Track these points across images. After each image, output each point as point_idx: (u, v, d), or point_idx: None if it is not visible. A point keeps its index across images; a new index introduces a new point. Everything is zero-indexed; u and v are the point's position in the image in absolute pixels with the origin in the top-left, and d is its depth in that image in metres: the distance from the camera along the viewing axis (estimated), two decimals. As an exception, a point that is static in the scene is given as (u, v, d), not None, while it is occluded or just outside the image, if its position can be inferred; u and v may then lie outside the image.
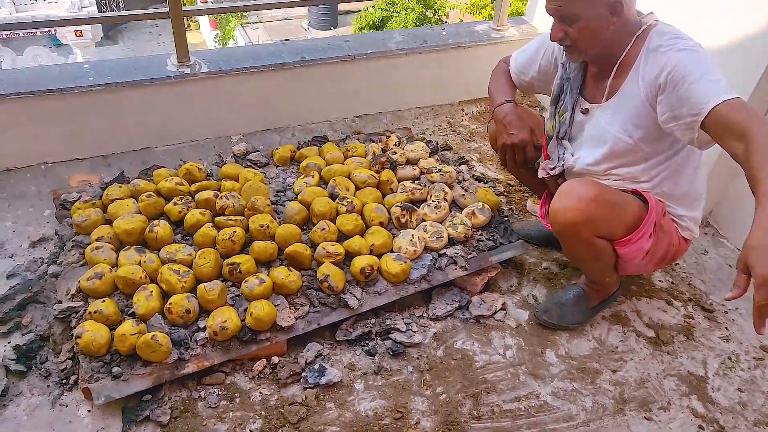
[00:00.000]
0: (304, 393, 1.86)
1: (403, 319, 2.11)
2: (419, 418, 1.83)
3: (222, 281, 1.97)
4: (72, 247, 2.10)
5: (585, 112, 1.89)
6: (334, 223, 2.17)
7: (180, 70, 2.55)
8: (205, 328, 1.85)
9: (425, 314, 2.16)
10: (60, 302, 1.95)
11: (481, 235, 2.28)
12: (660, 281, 2.42)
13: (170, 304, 1.82)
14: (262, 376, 1.90)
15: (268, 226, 2.06)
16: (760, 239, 1.28)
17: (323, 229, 2.09)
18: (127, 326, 1.75)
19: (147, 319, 1.83)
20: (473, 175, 2.70)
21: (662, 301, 2.34)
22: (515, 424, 1.84)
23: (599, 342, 2.15)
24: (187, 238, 2.14)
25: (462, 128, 3.16)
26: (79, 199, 2.26)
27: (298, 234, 2.09)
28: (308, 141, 2.76)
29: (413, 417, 1.83)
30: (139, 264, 1.96)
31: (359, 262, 2.01)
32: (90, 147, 2.53)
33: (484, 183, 2.66)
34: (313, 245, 2.12)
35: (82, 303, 1.90)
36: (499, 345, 2.09)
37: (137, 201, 2.18)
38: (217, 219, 2.11)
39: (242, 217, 2.13)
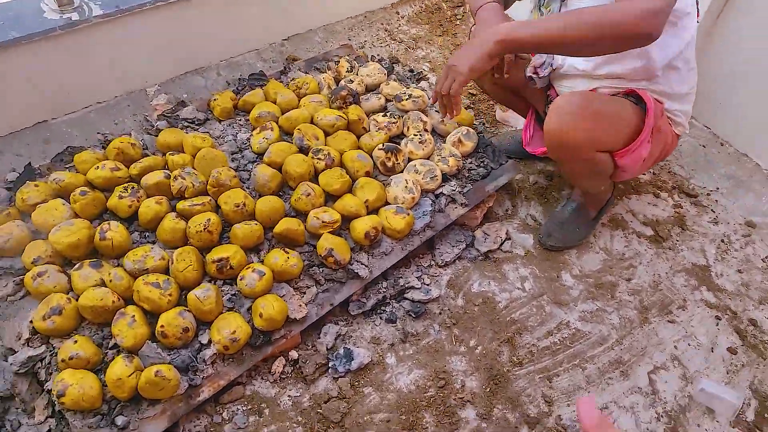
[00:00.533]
0: (336, 384, 1.67)
1: (413, 273, 1.92)
2: (463, 380, 1.71)
3: (210, 281, 1.66)
4: (1, 275, 1.66)
5: None
6: (317, 183, 1.87)
7: (65, 17, 1.98)
8: (209, 343, 1.57)
9: (433, 262, 1.99)
10: (12, 351, 1.56)
11: (471, 163, 2.08)
12: (642, 175, 2.38)
13: (162, 326, 1.50)
14: (284, 376, 1.68)
15: (244, 204, 1.73)
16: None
17: (308, 194, 1.78)
18: (120, 367, 1.43)
19: (137, 351, 1.51)
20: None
21: (650, 194, 2.31)
22: (556, 361, 1.79)
23: (606, 252, 2.10)
24: (147, 235, 1.76)
25: (402, 35, 2.83)
26: (-16, 210, 1.77)
27: (281, 206, 1.78)
28: (240, 80, 2.33)
29: (456, 380, 1.71)
30: (103, 284, 1.59)
31: (361, 226, 1.76)
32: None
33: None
34: (299, 215, 1.83)
35: (43, 348, 1.53)
36: (515, 278, 1.98)
37: (68, 201, 1.74)
38: (179, 206, 1.74)
39: (208, 198, 1.77)
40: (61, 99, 2.10)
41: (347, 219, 1.81)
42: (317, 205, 1.80)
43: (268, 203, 1.74)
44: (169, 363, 1.50)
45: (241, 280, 1.61)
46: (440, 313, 1.86)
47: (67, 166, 1.90)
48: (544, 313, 1.90)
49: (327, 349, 1.72)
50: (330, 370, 1.69)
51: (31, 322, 1.56)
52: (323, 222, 1.73)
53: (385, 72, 2.33)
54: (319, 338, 1.74)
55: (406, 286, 1.86)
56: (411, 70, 2.51)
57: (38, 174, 1.87)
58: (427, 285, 1.90)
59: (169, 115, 2.08)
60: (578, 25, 1.37)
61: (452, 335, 1.82)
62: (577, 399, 0.69)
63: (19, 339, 1.56)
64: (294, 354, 1.70)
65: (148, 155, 1.93)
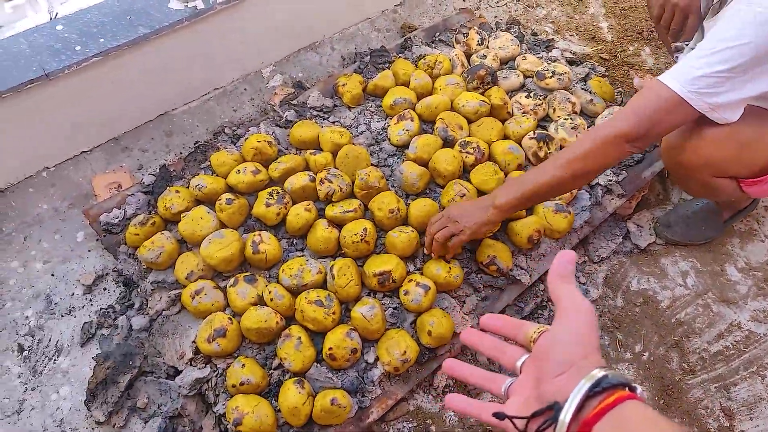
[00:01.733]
0: (502, 398, 1.58)
1: (568, 272, 1.79)
2: (633, 390, 1.60)
3: (369, 295, 1.57)
4: (154, 290, 1.61)
5: None
6: (467, 180, 1.73)
7: (189, 5, 1.83)
8: (375, 362, 1.50)
9: (587, 258, 1.85)
10: (174, 369, 1.53)
11: (624, 147, 1.89)
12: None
13: (331, 349, 1.43)
14: (447, 390, 1.61)
15: (398, 209, 1.61)
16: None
17: (462, 194, 1.65)
18: (293, 395, 1.38)
19: (304, 373, 1.46)
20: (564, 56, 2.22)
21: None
22: (731, 368, 1.66)
23: (773, 241, 1.92)
24: (296, 243, 1.67)
25: (520, -10, 2.58)
26: (125, 218, 1.71)
27: (436, 211, 1.65)
28: (357, 54, 2.16)
29: (626, 391, 1.60)
30: (260, 301, 1.52)
31: (524, 230, 1.63)
32: (95, 133, 1.89)
33: (577, 65, 2.20)
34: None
35: (208, 369, 1.49)
36: (675, 273, 1.84)
37: (211, 208, 1.66)
38: (329, 213, 1.63)
39: (358, 202, 1.66)
40: (181, 89, 1.99)
41: (506, 220, 1.68)
42: (472, 206, 1.67)
43: (423, 208, 1.62)
44: (340, 387, 1.44)
45: (405, 294, 1.52)
46: (601, 316, 1.75)
47: (201, 166, 1.80)
48: (711, 313, 1.76)
49: (488, 359, 1.64)
50: None
51: (194, 342, 1.52)
52: (484, 227, 1.60)
53: (518, 43, 2.12)
54: (479, 347, 1.65)
55: (564, 287, 1.74)
56: (534, 34, 2.29)
57: (174, 176, 1.79)
58: (584, 284, 1.78)
59: (295, 104, 1.95)
60: (557, 171, 1.37)
61: (616, 340, 1.70)
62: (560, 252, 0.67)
63: (182, 358, 1.53)
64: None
65: (283, 152, 1.82)
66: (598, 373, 0.52)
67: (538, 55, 2.12)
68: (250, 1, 1.92)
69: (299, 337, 1.45)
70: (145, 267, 1.65)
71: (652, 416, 0.49)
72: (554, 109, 1.91)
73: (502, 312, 1.68)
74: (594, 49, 2.34)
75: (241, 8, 1.92)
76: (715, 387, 1.63)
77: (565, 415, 0.51)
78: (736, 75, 1.22)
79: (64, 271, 1.74)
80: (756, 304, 1.78)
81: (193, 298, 1.51)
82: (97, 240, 1.77)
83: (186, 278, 1.56)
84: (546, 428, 0.53)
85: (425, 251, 1.60)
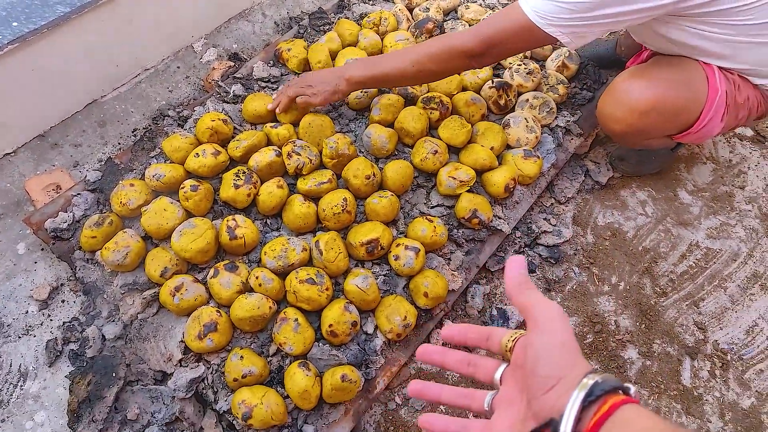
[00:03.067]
0: (499, 347, 1.61)
1: (540, 216, 1.83)
2: (616, 320, 1.68)
3: (357, 265, 1.53)
4: (124, 294, 1.49)
5: None
6: (435, 137, 1.70)
7: (109, -23, 1.65)
8: (375, 332, 1.47)
9: (553, 200, 1.89)
10: (163, 373, 1.43)
11: (575, 87, 1.93)
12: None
13: (331, 326, 1.39)
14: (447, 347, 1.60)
15: (374, 174, 1.56)
16: None
17: (435, 151, 1.62)
18: (301, 378, 1.33)
19: (305, 355, 1.41)
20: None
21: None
22: (697, 285, 1.77)
23: (714, 161, 2.05)
24: (270, 223, 1.59)
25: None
26: (75, 221, 1.56)
27: (411, 171, 1.62)
28: (292, 20, 2.05)
29: (610, 321, 1.68)
30: (246, 289, 1.44)
31: (499, 179, 1.63)
32: (19, 131, 1.69)
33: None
34: (427, 175, 1.68)
35: (202, 367, 1.40)
36: (634, 204, 1.92)
37: (174, 198, 1.54)
38: (302, 186, 1.56)
39: (330, 172, 1.59)
40: (107, 72, 1.81)
41: (478, 172, 1.67)
42: (444, 162, 1.65)
43: (400, 170, 1.58)
44: (346, 363, 1.40)
45: (396, 260, 1.49)
46: (575, 254, 1.80)
47: (151, 155, 1.66)
48: (672, 237, 1.86)
49: (478, 312, 1.65)
50: None
51: (182, 341, 1.42)
52: (460, 181, 1.59)
53: (456, -9, 2.09)
54: (467, 302, 1.66)
55: (540, 230, 1.78)
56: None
57: (122, 168, 1.64)
58: (555, 225, 1.82)
59: (240, 77, 1.83)
60: (406, 64, 1.47)
61: (593, 275, 1.76)
62: (508, 259, 0.68)
63: (170, 360, 1.42)
64: (449, 323, 1.61)
65: (239, 129, 1.71)
66: (590, 381, 0.51)
67: (478, 3, 2.10)
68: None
69: (296, 319, 1.39)
70: (109, 271, 1.51)
71: (649, 419, 0.49)
72: (505, 57, 1.90)
73: (484, 265, 1.69)
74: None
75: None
76: (686, 305, 1.73)
77: (564, 431, 0.50)
78: (581, 12, 1.26)
79: (10, 288, 1.56)
80: (708, 222, 1.89)
81: (174, 295, 1.40)
82: (44, 249, 1.60)
83: (161, 276, 1.45)
84: None
85: (271, 107, 1.68)
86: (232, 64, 1.92)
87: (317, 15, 2.00)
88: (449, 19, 2.04)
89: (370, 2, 2.11)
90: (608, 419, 0.49)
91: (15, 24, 1.52)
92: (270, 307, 1.40)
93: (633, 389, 0.53)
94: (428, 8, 2.00)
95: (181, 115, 1.74)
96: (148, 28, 1.83)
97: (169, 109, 1.74)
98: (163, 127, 1.71)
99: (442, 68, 1.47)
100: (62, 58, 1.65)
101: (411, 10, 2.06)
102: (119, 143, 1.78)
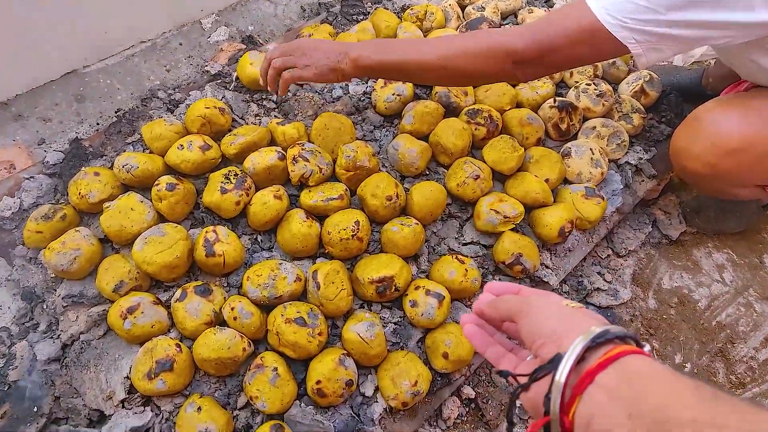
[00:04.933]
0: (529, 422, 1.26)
1: (593, 270, 1.49)
2: (679, 412, 1.32)
3: (362, 307, 1.21)
4: (67, 306, 1.18)
5: None
6: (479, 158, 1.38)
7: None
8: (375, 395, 1.14)
9: (611, 252, 1.55)
10: (99, 413, 1.12)
11: (652, 119, 1.60)
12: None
13: (320, 383, 1.06)
14: (459, 421, 1.27)
15: (397, 196, 1.24)
16: None
17: (476, 176, 1.30)
18: (271, 449, 1.00)
19: (282, 415, 1.08)
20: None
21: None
22: (784, 379, 1.41)
23: (812, 226, 1.69)
24: (260, 240, 1.27)
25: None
26: (22, 210, 1.26)
27: (444, 197, 1.30)
28: (322, 5, 1.77)
29: (672, 413, 1.32)
30: (221, 320, 1.12)
31: (554, 220, 1.30)
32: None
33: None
34: (462, 204, 1.36)
35: (149, 413, 1.08)
36: (710, 267, 1.57)
37: (146, 197, 1.24)
38: (305, 200, 1.24)
39: (343, 186, 1.28)
40: (95, 39, 1.52)
41: (528, 208, 1.34)
42: (487, 191, 1.33)
43: (430, 194, 1.26)
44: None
45: (413, 306, 1.16)
46: (632, 320, 1.46)
47: (128, 141, 1.36)
48: (755, 314, 1.50)
49: (507, 381, 1.31)
50: (517, 410, 1.29)
51: (127, 377, 1.10)
52: (505, 217, 1.26)
53: (521, -6, 1.78)
54: (494, 367, 1.31)
55: (591, 287, 1.44)
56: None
57: (90, 152, 1.34)
58: (610, 282, 1.48)
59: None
60: (432, 56, 1.13)
61: (652, 350, 1.41)
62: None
63: (110, 399, 1.11)
64: (470, 392, 1.28)
65: (239, 123, 1.41)
66: (598, 329, 0.49)
67: (544, 9, 1.79)
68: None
69: (275, 368, 1.06)
70: (53, 276, 1.21)
71: (663, 370, 0.45)
72: (571, 73, 1.59)
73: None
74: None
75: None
76: (769, 402, 1.37)
77: (565, 363, 0.47)
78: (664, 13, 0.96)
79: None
80: (802, 302, 1.54)
81: (125, 318, 1.09)
82: (-16, 239, 1.30)
83: (113, 291, 1.14)
84: (543, 376, 0.50)
85: (261, 81, 1.30)
86: (243, 47, 1.62)
87: (351, 2, 1.70)
88: (508, 23, 1.73)
89: (414, -6, 1.81)
90: (614, 362, 0.46)
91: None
92: (244, 349, 1.08)
93: (648, 347, 0.50)
94: (483, 7, 1.69)
95: (172, 98, 1.44)
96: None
97: (160, 90, 1.44)
98: (149, 111, 1.41)
99: (475, 69, 1.12)
100: (39, 12, 1.36)
101: (463, 8, 1.76)
102: (98, 124, 1.48)
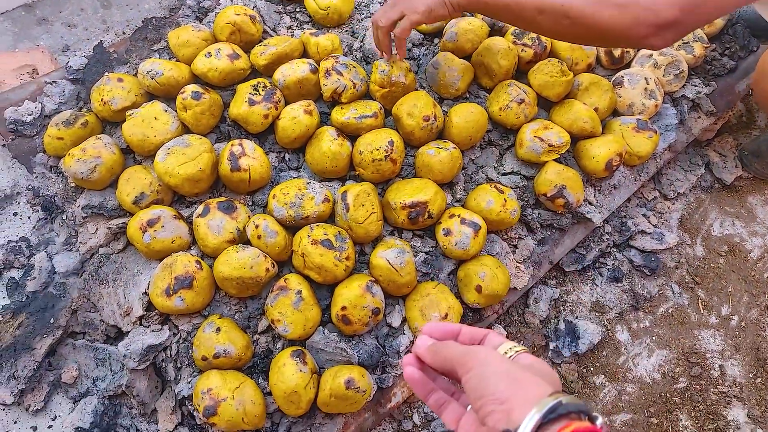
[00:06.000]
0: (560, 373, 1.21)
1: (638, 211, 1.39)
2: (721, 365, 1.26)
3: (393, 233, 1.14)
4: (86, 218, 1.14)
5: None
6: (524, 82, 1.28)
7: None
8: (402, 326, 1.09)
9: (658, 192, 1.45)
10: (117, 329, 1.08)
11: (714, 50, 1.47)
12: None
13: (345, 309, 1.01)
14: (488, 360, 1.21)
15: (435, 117, 1.15)
16: None
17: (522, 100, 1.20)
18: (292, 373, 0.96)
19: (304, 340, 1.03)
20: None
21: None
22: (837, 336, 1.32)
23: None
24: (288, 158, 1.20)
25: None
26: (43, 115, 1.21)
27: (485, 121, 1.21)
28: None
29: (713, 365, 1.26)
30: (245, 238, 1.07)
31: (599, 151, 1.21)
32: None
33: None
34: (504, 130, 1.26)
35: (166, 332, 1.04)
36: (765, 216, 1.46)
37: (171, 106, 1.17)
38: (337, 117, 1.16)
39: (377, 104, 1.19)
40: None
41: (574, 138, 1.25)
42: (531, 117, 1.23)
43: (470, 116, 1.17)
44: (356, 362, 1.03)
45: (446, 235, 1.09)
46: (676, 267, 1.37)
47: (154, 48, 1.29)
48: (810, 267, 1.41)
49: (540, 322, 1.25)
50: (551, 353, 1.23)
51: (145, 293, 1.06)
52: (549, 145, 1.17)
53: None
54: (528, 306, 1.25)
55: (636, 229, 1.35)
56: None
57: (114, 59, 1.27)
58: (655, 226, 1.39)
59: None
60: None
61: (697, 299, 1.34)
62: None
63: (128, 315, 1.07)
64: (501, 331, 1.22)
65: (270, 34, 1.32)
66: (551, 400, 0.45)
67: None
68: None
69: (299, 291, 1.01)
70: (73, 185, 1.16)
71: None
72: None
73: (558, 263, 1.28)
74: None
75: None
76: (820, 360, 1.29)
77: None
78: None
79: (-48, 188, 1.23)
80: None
81: (145, 231, 1.04)
82: (3, 145, 1.25)
83: (134, 203, 1.09)
84: None
85: (378, 48, 1.13)
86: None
87: None
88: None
89: None
90: None
91: None
92: (267, 269, 1.02)
93: (601, 420, 0.46)
94: None
95: (201, 5, 1.35)
96: None
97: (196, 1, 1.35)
98: (177, 18, 1.33)
99: (595, 31, 0.91)
100: None
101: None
102: (123, 32, 1.41)
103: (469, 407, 0.56)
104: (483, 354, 0.52)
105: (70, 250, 1.15)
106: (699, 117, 1.39)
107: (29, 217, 1.21)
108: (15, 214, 1.21)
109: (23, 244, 1.17)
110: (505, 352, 0.55)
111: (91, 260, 1.12)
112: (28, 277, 1.12)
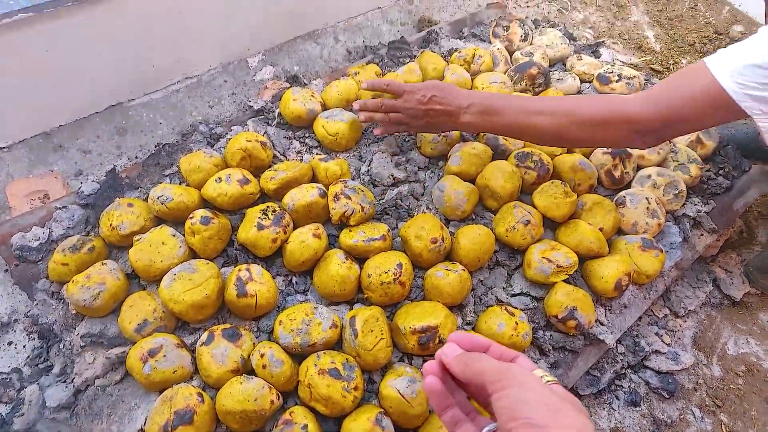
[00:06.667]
0: None
1: (650, 330, 1.37)
2: (752, 496, 1.17)
3: (403, 360, 1.11)
4: (85, 347, 1.10)
5: None
6: (529, 203, 1.30)
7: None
8: (414, 461, 1.02)
9: (668, 311, 1.43)
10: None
11: (708, 170, 1.51)
12: None
13: (355, 447, 0.95)
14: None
15: (442, 239, 1.16)
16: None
17: (527, 221, 1.22)
18: None
19: (313, 482, 0.97)
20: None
21: None
22: None
23: None
24: (295, 282, 1.19)
25: (552, -8, 2.22)
26: (50, 241, 1.20)
27: (492, 243, 1.21)
28: (368, 48, 1.74)
29: (745, 497, 1.17)
30: (249, 368, 1.03)
31: (608, 272, 1.20)
32: (18, 123, 1.38)
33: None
34: (511, 251, 1.27)
35: (165, 471, 0.97)
36: (778, 333, 1.43)
37: (179, 231, 1.17)
38: (345, 240, 1.17)
39: (385, 227, 1.20)
40: (142, 73, 1.50)
41: (581, 258, 1.25)
42: (537, 238, 1.24)
43: (477, 238, 1.18)
44: (368, 503, 0.95)
45: (458, 362, 1.05)
46: (695, 389, 1.32)
47: (165, 173, 1.31)
48: (832, 388, 1.36)
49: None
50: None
51: (142, 429, 1.00)
52: (558, 266, 1.16)
53: (567, 42, 1.73)
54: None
55: (650, 350, 1.31)
56: (573, 38, 1.92)
57: (126, 184, 1.29)
58: (669, 345, 1.35)
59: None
60: (548, 119, 1.09)
61: (720, 425, 1.27)
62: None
63: (123, 452, 1.00)
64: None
65: (279, 159, 1.35)
66: None
67: (593, 57, 1.73)
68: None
69: (305, 426, 0.96)
70: (74, 312, 1.13)
71: None
72: (624, 121, 1.51)
73: (572, 387, 1.23)
74: (642, 59, 1.98)
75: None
76: None
77: None
78: None
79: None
80: None
81: (146, 362, 1.00)
82: (6, 271, 1.24)
83: (135, 331, 1.06)
84: None
85: (357, 109, 1.28)
86: (288, 86, 1.59)
87: (398, 44, 1.67)
88: (556, 69, 1.68)
89: (463, 39, 1.77)
90: None
91: (31, -9, 1.24)
92: (272, 402, 0.98)
93: None
94: (532, 53, 1.64)
95: (213, 132, 1.40)
96: (199, 29, 1.53)
97: (201, 124, 1.39)
98: (188, 144, 1.37)
99: (593, 138, 1.08)
100: (87, 44, 1.35)
101: (511, 54, 1.71)
102: (137, 157, 1.45)
103: (487, 428, 0.54)
104: (521, 375, 0.50)
105: (64, 382, 1.10)
106: (702, 234, 1.40)
107: (24, 346, 1.18)
108: (10, 344, 1.17)
109: (15, 376, 1.12)
110: (541, 377, 0.52)
111: (86, 393, 1.07)
112: (16, 414, 1.06)
